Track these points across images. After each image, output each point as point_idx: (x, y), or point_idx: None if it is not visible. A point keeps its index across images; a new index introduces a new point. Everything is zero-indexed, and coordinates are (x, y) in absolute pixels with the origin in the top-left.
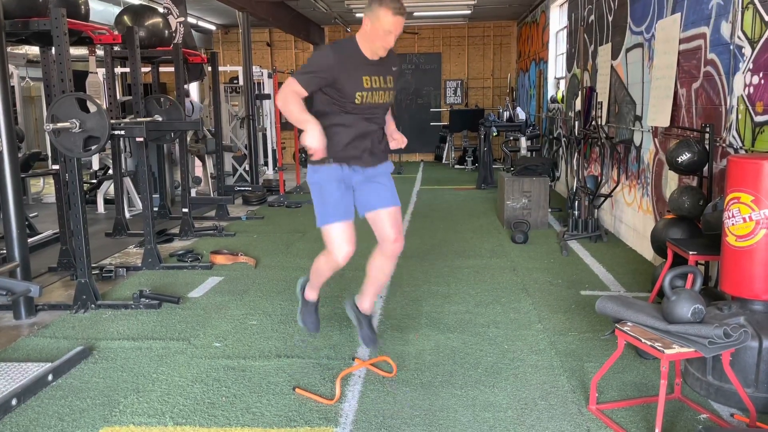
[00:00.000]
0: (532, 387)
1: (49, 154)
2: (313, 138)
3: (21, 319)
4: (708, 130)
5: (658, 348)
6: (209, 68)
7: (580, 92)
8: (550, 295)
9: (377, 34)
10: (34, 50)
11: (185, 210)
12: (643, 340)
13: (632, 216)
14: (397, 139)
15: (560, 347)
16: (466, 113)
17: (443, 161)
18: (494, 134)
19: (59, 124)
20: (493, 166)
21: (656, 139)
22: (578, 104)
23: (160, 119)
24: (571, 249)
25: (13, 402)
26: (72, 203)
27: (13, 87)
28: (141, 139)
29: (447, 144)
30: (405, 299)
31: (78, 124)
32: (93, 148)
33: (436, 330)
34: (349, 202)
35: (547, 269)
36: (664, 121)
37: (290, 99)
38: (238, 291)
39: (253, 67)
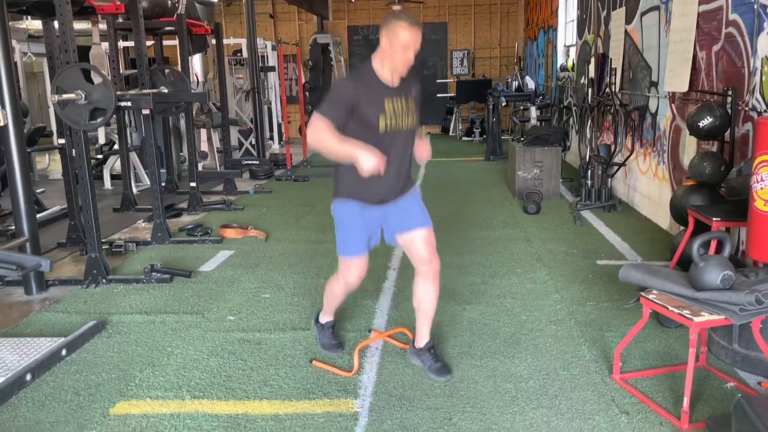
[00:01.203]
0: (553, 357)
1: (55, 128)
2: (369, 159)
3: (32, 295)
4: (730, 93)
5: (687, 316)
6: (213, 40)
7: (592, 59)
8: (566, 265)
9: (396, 50)
10: (35, 25)
11: (193, 184)
12: (670, 308)
13: (647, 184)
14: (421, 152)
15: (579, 317)
16: (473, 84)
17: (450, 133)
18: (503, 104)
19: (64, 96)
20: (502, 138)
21: (673, 105)
22: (591, 71)
23: (166, 91)
24: (584, 219)
25: (28, 377)
26: (80, 177)
27: (15, 63)
28: (147, 112)
29: (454, 116)
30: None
31: (83, 95)
32: (99, 120)
33: (452, 301)
34: (368, 236)
35: (561, 239)
36: (683, 86)
37: (321, 132)
38: (250, 264)
39: (257, 39)
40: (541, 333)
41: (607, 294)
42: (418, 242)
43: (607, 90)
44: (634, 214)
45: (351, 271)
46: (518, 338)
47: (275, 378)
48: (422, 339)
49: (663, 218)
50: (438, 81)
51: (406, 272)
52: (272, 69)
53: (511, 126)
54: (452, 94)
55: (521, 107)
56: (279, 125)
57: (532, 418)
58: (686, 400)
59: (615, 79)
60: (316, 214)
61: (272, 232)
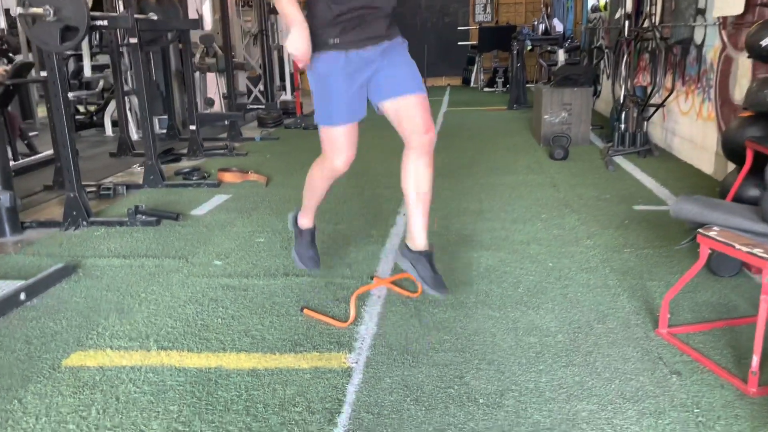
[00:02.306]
0: (585, 308)
1: (37, 60)
2: (298, 42)
3: (5, 237)
4: None
5: (760, 255)
6: None
7: None
8: (598, 210)
9: None
10: None
11: (193, 128)
12: (737, 247)
13: (689, 126)
14: None
15: (615, 264)
16: (497, 31)
17: (471, 84)
18: (528, 48)
19: (31, 9)
20: (527, 85)
21: (724, 32)
22: (627, 4)
23: (155, 17)
24: (617, 165)
25: None
26: (54, 107)
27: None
28: (135, 40)
29: (475, 66)
30: (432, 216)
31: (52, 11)
32: (72, 41)
33: (468, 247)
34: (358, 99)
35: (592, 185)
36: (737, 8)
37: None
38: (246, 209)
39: None
40: (571, 281)
41: (646, 240)
42: (411, 107)
43: (646, 23)
44: (673, 160)
45: (337, 147)
46: (544, 287)
47: (258, 328)
48: (419, 239)
49: (707, 162)
50: (459, 28)
51: None
52: None
53: (536, 76)
54: (474, 43)
55: (548, 48)
56: (291, 75)
57: (562, 377)
58: (756, 359)
59: (655, 9)
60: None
61: (275, 177)
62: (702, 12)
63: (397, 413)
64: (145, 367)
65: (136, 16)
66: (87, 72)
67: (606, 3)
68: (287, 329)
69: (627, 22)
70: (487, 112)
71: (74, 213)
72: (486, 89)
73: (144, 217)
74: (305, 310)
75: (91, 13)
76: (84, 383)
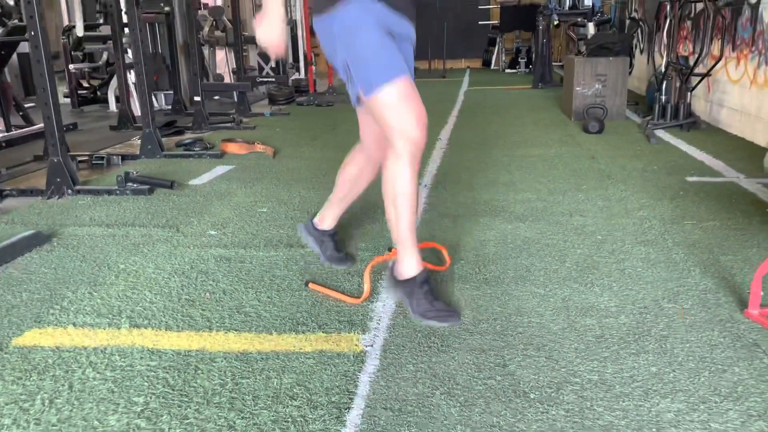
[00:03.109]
0: (650, 285)
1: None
2: (267, 33)
3: None
4: None
5: None
6: None
7: None
8: (646, 181)
9: None
10: None
11: (197, 99)
12: None
13: (739, 95)
14: None
15: (677, 238)
16: (519, 10)
17: (492, 66)
18: (554, 23)
19: None
20: (553, 63)
21: None
22: None
23: None
24: (659, 138)
25: None
26: (34, 59)
27: None
28: None
29: (497, 47)
30: (457, 187)
31: None
32: None
33: (501, 219)
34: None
35: (634, 157)
36: None
37: None
38: (250, 179)
39: None
40: (628, 255)
41: (708, 212)
42: None
43: None
44: (721, 133)
45: (411, 105)
46: (595, 261)
47: (254, 304)
48: (329, 219)
49: (762, 134)
50: (480, 7)
51: (441, 187)
52: None
53: (561, 56)
54: (495, 22)
55: (577, 20)
56: (305, 54)
57: (633, 368)
58: None
59: None
60: (338, 134)
61: (283, 149)
62: None
63: (424, 410)
64: (110, 348)
65: None
66: (79, 32)
67: None
68: (288, 306)
69: None
70: (511, 91)
71: (58, 180)
72: (508, 70)
73: (135, 185)
74: (311, 285)
75: None
76: (33, 366)
